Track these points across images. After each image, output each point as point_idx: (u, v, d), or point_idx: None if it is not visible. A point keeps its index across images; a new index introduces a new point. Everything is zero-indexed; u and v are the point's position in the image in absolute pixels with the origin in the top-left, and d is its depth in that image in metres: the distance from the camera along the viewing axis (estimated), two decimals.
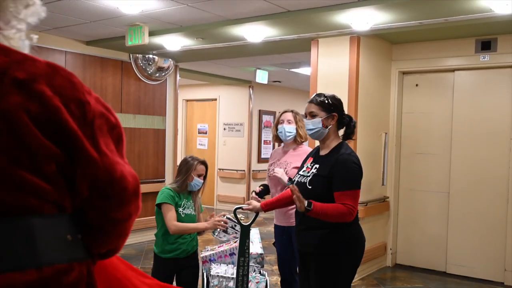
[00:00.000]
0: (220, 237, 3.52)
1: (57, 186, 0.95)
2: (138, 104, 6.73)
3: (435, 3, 3.96)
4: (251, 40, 5.21)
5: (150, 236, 5.85)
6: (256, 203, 3.19)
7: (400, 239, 5.87)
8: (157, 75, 6.87)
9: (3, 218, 0.90)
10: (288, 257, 3.70)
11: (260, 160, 9.76)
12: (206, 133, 10.18)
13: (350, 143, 2.91)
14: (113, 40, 5.88)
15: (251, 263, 3.40)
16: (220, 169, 9.73)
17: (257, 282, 3.35)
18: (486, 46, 5.14)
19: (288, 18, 4.56)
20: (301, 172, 2.86)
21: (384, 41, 5.53)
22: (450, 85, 5.53)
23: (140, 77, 6.73)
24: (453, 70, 5.48)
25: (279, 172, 3.53)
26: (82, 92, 1.00)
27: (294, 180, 2.87)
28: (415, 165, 5.75)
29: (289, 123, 3.61)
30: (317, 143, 3.01)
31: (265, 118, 9.92)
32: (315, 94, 2.89)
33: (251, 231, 3.48)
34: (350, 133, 2.83)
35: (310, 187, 2.70)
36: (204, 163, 3.39)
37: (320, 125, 2.76)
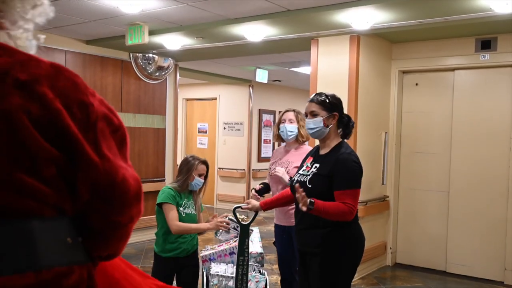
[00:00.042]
0: (221, 238, 3.53)
1: (57, 189, 0.95)
2: (138, 103, 6.73)
3: (435, 2, 3.96)
4: (251, 39, 5.21)
5: (150, 235, 5.85)
6: (255, 202, 3.19)
7: (400, 238, 5.88)
8: (157, 74, 6.87)
9: (2, 220, 0.89)
10: (288, 257, 3.71)
11: (260, 159, 9.76)
12: (206, 132, 10.18)
13: (350, 142, 2.91)
14: (113, 39, 5.87)
15: (251, 262, 3.41)
16: (220, 168, 9.73)
17: (256, 281, 3.35)
18: (486, 45, 5.14)
19: (288, 17, 4.56)
20: (300, 171, 2.87)
21: (384, 40, 5.53)
22: (450, 84, 5.53)
23: (140, 76, 6.73)
24: (453, 69, 5.48)
25: (280, 172, 3.54)
26: (86, 94, 0.99)
27: (294, 179, 2.87)
28: (415, 164, 5.75)
29: (291, 122, 3.61)
30: (316, 142, 3.01)
31: (265, 117, 9.92)
32: (316, 93, 2.89)
33: (252, 230, 3.49)
34: (348, 133, 2.85)
35: (310, 186, 2.70)
36: (205, 162, 3.39)
37: (321, 124, 2.76)
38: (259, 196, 3.56)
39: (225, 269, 3.34)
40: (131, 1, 4.38)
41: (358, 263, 2.79)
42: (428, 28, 4.68)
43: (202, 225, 3.35)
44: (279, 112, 9.96)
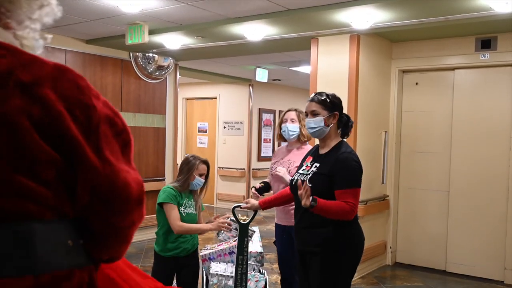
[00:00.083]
0: (221, 238, 3.53)
1: (57, 192, 0.94)
2: (138, 103, 6.73)
3: (435, 1, 3.96)
4: (251, 39, 5.21)
5: (150, 234, 5.85)
6: (254, 202, 3.19)
7: (400, 237, 5.88)
8: (157, 73, 6.86)
9: (2, 223, 0.89)
10: (288, 256, 3.71)
11: (260, 158, 9.76)
12: (206, 131, 10.18)
13: (350, 142, 2.91)
14: (113, 38, 5.87)
15: (251, 262, 3.41)
16: (220, 167, 9.73)
17: (256, 281, 3.36)
18: (486, 44, 5.14)
19: (288, 17, 4.56)
20: (300, 171, 2.87)
21: (384, 39, 5.53)
22: (450, 83, 5.53)
23: (140, 75, 6.73)
24: (453, 69, 5.48)
25: (281, 171, 3.54)
26: (89, 96, 0.98)
27: (294, 178, 2.87)
28: (415, 163, 5.75)
29: (293, 122, 3.61)
30: (317, 141, 3.01)
31: (265, 116, 9.92)
32: (316, 92, 2.89)
33: (254, 231, 3.49)
34: (347, 132, 2.85)
35: (310, 185, 2.70)
36: (206, 162, 3.39)
37: (322, 124, 2.76)
38: (258, 195, 3.55)
39: (224, 269, 3.35)
40: (131, 1, 4.37)
41: (358, 263, 2.79)
42: (428, 27, 4.68)
43: (204, 226, 3.35)
44: (279, 111, 10.03)
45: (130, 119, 6.57)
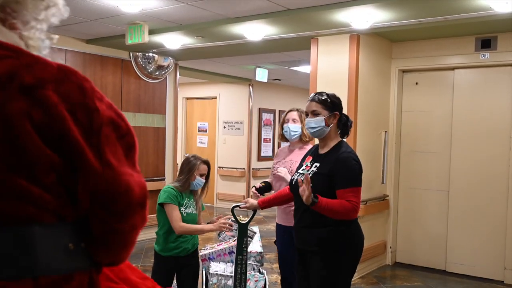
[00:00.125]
0: (221, 238, 3.53)
1: (57, 195, 0.94)
2: (138, 103, 6.74)
3: (434, 1, 3.96)
4: (251, 39, 5.21)
5: (150, 234, 5.83)
6: (253, 201, 3.19)
7: (399, 237, 5.88)
8: (157, 73, 6.87)
9: (2, 226, 0.88)
10: (289, 256, 3.70)
11: (260, 158, 9.76)
12: (206, 131, 10.18)
13: (350, 142, 2.92)
14: (113, 38, 5.88)
15: (250, 262, 3.41)
16: (220, 167, 9.73)
17: (256, 281, 3.36)
18: (486, 44, 5.14)
19: (288, 17, 4.56)
20: (300, 171, 2.87)
21: (384, 39, 5.53)
22: (450, 83, 5.53)
23: (140, 75, 6.73)
24: (453, 68, 5.48)
25: (283, 172, 3.54)
26: (92, 99, 0.97)
27: (294, 178, 2.87)
28: (415, 163, 5.75)
29: (294, 122, 3.61)
30: (317, 141, 3.01)
31: (265, 116, 9.92)
32: (316, 92, 2.88)
33: (255, 233, 3.49)
34: (346, 132, 2.86)
35: (310, 185, 2.70)
36: (206, 162, 3.39)
37: (323, 124, 2.76)
38: (259, 194, 3.55)
39: (224, 268, 3.35)
40: (131, 1, 4.38)
41: (358, 262, 2.79)
42: (428, 27, 4.68)
43: (205, 227, 3.35)
44: (279, 111, 10.03)
45: (130, 119, 6.57)
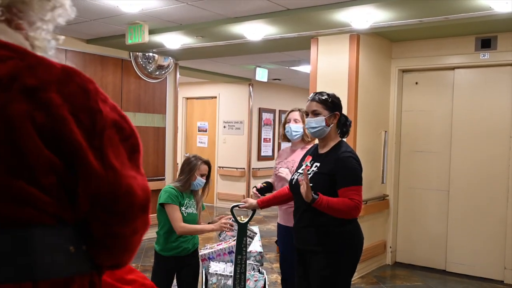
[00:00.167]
0: (221, 238, 3.53)
1: (57, 198, 0.93)
2: (138, 102, 6.74)
3: (434, 1, 3.96)
4: (251, 39, 5.21)
5: (150, 233, 5.83)
6: (252, 201, 3.19)
7: (399, 237, 5.88)
8: (157, 73, 6.87)
9: (1, 229, 0.88)
10: (290, 257, 3.70)
11: (260, 158, 9.76)
12: (206, 131, 10.18)
13: (349, 142, 2.92)
14: (113, 38, 5.88)
15: (250, 261, 3.41)
16: (220, 167, 9.73)
17: (255, 280, 3.36)
18: (486, 44, 5.14)
19: (288, 17, 4.56)
20: (300, 170, 2.87)
21: (383, 39, 5.53)
22: (450, 83, 5.53)
23: (140, 75, 6.73)
24: (453, 68, 5.48)
25: (284, 172, 3.53)
26: (95, 100, 0.96)
27: (294, 178, 2.87)
28: (415, 163, 5.75)
29: (296, 122, 3.61)
30: (316, 141, 3.01)
31: (265, 116, 9.92)
32: (316, 92, 2.88)
33: (255, 233, 3.48)
34: (346, 132, 2.86)
35: (310, 184, 2.70)
36: (207, 163, 3.40)
37: (323, 124, 2.77)
38: (259, 195, 3.55)
39: (224, 268, 3.35)
40: (131, 1, 4.38)
41: (358, 262, 2.79)
42: (428, 27, 4.68)
43: (206, 227, 3.35)
44: (279, 111, 10.03)
45: (130, 119, 6.53)
